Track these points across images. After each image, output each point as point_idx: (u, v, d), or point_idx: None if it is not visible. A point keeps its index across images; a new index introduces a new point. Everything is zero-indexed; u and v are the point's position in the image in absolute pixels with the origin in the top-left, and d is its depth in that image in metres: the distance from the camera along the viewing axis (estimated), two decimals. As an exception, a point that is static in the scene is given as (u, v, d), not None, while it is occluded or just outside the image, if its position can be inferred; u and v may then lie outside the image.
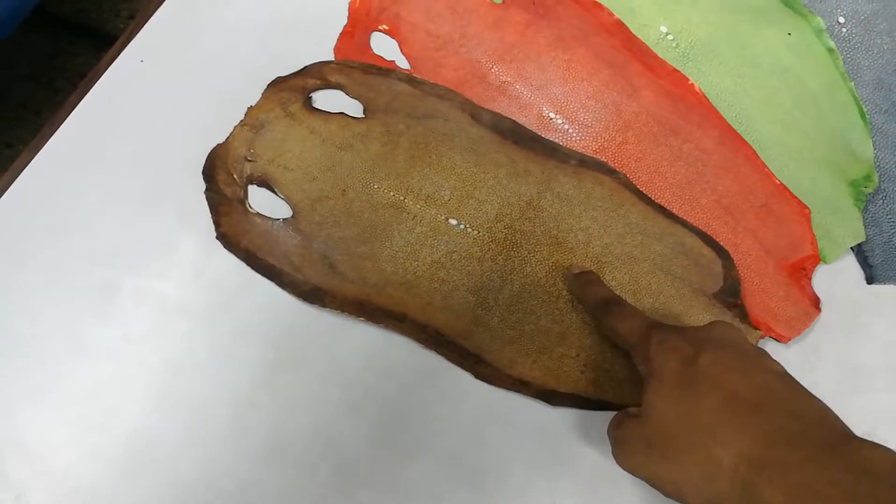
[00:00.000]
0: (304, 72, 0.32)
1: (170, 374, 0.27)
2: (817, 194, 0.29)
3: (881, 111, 0.31)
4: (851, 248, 0.28)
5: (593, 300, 0.25)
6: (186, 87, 0.32)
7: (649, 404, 0.20)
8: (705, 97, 0.31)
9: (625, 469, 0.21)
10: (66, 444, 0.26)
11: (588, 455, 0.25)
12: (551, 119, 0.31)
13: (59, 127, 0.31)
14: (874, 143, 0.30)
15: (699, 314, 0.27)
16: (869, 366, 0.26)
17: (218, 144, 0.31)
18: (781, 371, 0.20)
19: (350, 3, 0.34)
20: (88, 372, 0.28)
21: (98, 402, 0.27)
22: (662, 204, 0.29)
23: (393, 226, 0.29)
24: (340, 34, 0.34)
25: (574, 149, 0.30)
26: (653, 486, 0.20)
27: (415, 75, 0.32)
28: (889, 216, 0.29)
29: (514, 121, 0.31)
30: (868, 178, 0.29)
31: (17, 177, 0.30)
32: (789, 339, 0.26)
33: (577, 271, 0.27)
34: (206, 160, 0.30)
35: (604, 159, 0.30)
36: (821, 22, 0.32)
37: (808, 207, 0.29)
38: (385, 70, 0.32)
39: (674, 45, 0.33)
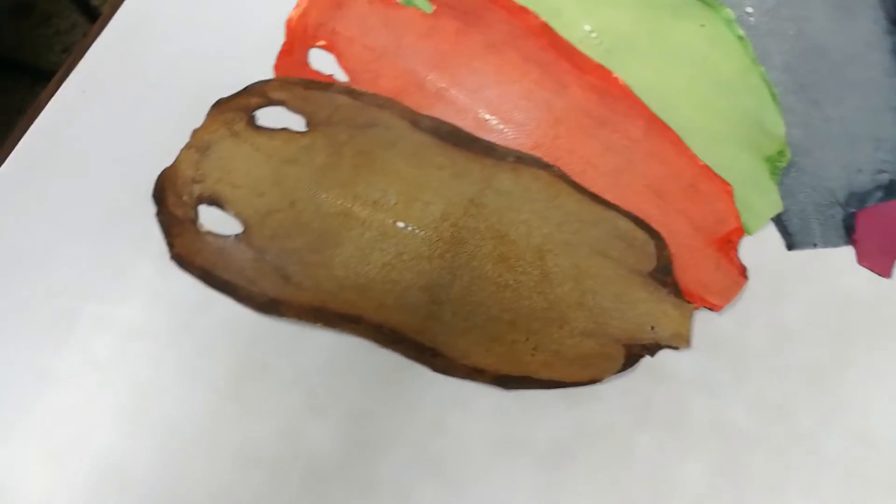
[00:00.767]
0: (247, 91, 0.34)
1: (137, 397, 0.29)
2: (737, 172, 0.32)
3: (790, 91, 0.34)
4: (772, 219, 0.31)
5: None
6: (131, 115, 0.33)
7: None
8: (630, 89, 0.34)
9: None
10: (37, 475, 0.27)
11: (544, 432, 0.27)
12: (487, 120, 0.34)
13: (2, 163, 0.32)
14: (785, 121, 0.33)
15: (637, 293, 0.29)
16: (795, 325, 0.28)
17: (166, 168, 0.32)
18: None
19: (287, 22, 0.36)
20: (54, 402, 0.29)
21: (66, 431, 0.28)
22: (596, 192, 0.32)
23: (343, 233, 0.31)
24: (279, 52, 0.35)
25: (511, 147, 0.33)
26: None
27: (354, 87, 0.34)
28: (802, 187, 0.32)
29: (452, 124, 0.33)
30: (781, 153, 0.32)
31: (-34, 214, 0.31)
32: (722, 308, 0.29)
33: None
34: (155, 184, 0.32)
35: (539, 155, 0.33)
36: (730, 13, 0.35)
37: (730, 185, 0.32)
38: (325, 84, 0.34)
39: (598, 42, 0.35)
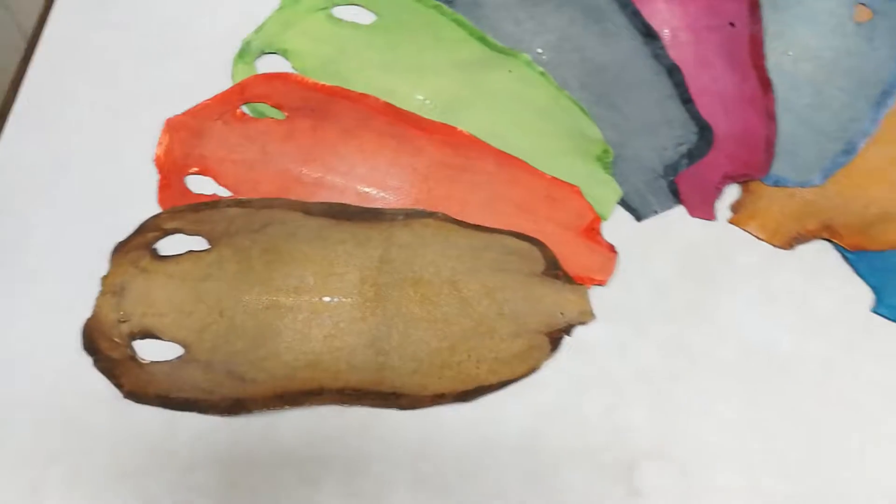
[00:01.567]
0: (141, 229, 0.37)
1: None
2: (579, 175, 0.40)
3: (592, 104, 0.43)
4: (618, 203, 0.39)
5: None
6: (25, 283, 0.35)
7: None
8: (472, 136, 0.41)
9: None
10: None
11: (514, 424, 0.32)
12: (368, 193, 0.39)
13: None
14: (598, 126, 0.42)
15: (539, 290, 0.36)
16: (667, 275, 0.36)
17: (87, 318, 0.34)
18: None
19: (156, 161, 0.39)
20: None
21: None
22: (478, 223, 0.38)
23: (277, 323, 0.35)
24: (158, 188, 0.39)
25: (397, 207, 0.38)
26: None
27: (241, 198, 0.38)
28: (630, 172, 0.41)
29: (341, 203, 0.38)
30: (606, 151, 0.41)
31: None
32: (606, 281, 0.36)
33: None
34: (82, 336, 0.34)
35: (422, 207, 0.39)
36: (527, 56, 0.44)
37: (576, 186, 0.39)
38: (213, 203, 0.38)
39: (433, 106, 0.43)
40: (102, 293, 0.35)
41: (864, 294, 0.36)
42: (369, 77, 0.44)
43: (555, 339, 0.35)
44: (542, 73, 0.44)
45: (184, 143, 0.40)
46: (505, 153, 0.41)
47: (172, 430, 0.32)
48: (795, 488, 0.31)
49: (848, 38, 0.46)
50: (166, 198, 0.38)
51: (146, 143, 0.39)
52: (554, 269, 0.37)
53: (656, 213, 0.40)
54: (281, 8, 0.47)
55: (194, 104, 0.40)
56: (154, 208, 0.37)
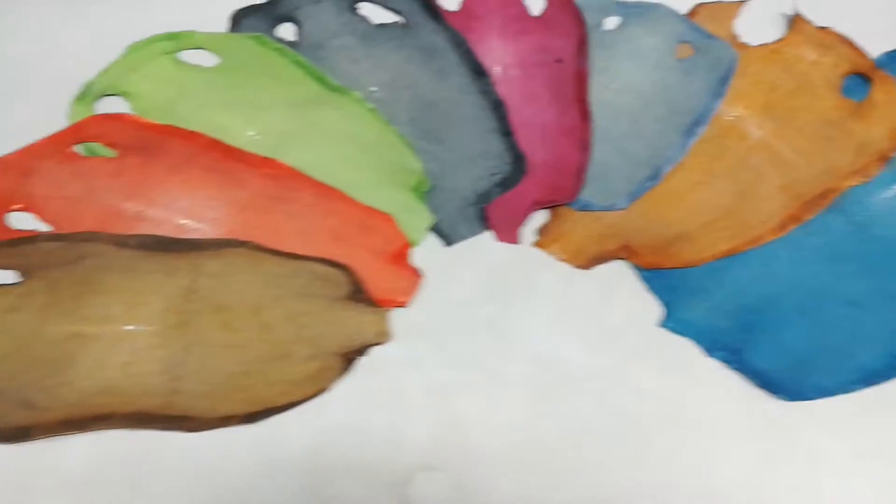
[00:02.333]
0: (-47, 264, 0.38)
1: None
2: (394, 204, 0.43)
3: (418, 138, 0.46)
4: (429, 229, 0.42)
5: None
6: None
7: None
8: (296, 170, 0.44)
9: None
10: None
11: (298, 443, 0.34)
12: (185, 225, 0.42)
13: None
14: (420, 158, 0.45)
15: (341, 313, 0.38)
16: (467, 296, 0.39)
17: None
18: None
19: (-21, 198, 0.41)
20: None
21: None
22: (292, 251, 0.40)
23: (78, 352, 0.36)
24: (-23, 225, 0.41)
25: (210, 238, 0.41)
26: None
27: (58, 232, 0.40)
28: (444, 200, 0.43)
29: (155, 235, 0.40)
30: (421, 182, 0.44)
31: None
32: (407, 303, 0.39)
33: None
34: None
35: (236, 237, 0.41)
36: (358, 94, 0.47)
37: (390, 215, 0.42)
38: (30, 238, 0.40)
39: (263, 141, 0.46)
40: None
41: (653, 309, 0.39)
42: (205, 116, 0.47)
43: (349, 361, 0.37)
44: (371, 110, 0.47)
45: (10, 181, 0.43)
46: (325, 185, 0.43)
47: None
48: (569, 496, 0.33)
49: (668, 73, 0.50)
50: (-16, 234, 0.40)
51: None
52: (357, 293, 0.39)
53: (465, 238, 0.42)
54: (127, 52, 0.49)
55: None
56: (-29, 244, 0.39)
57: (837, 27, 0.51)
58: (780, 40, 0.53)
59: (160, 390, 0.35)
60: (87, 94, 0.48)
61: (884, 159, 0.46)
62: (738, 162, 0.46)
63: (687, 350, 0.38)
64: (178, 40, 0.49)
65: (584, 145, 0.46)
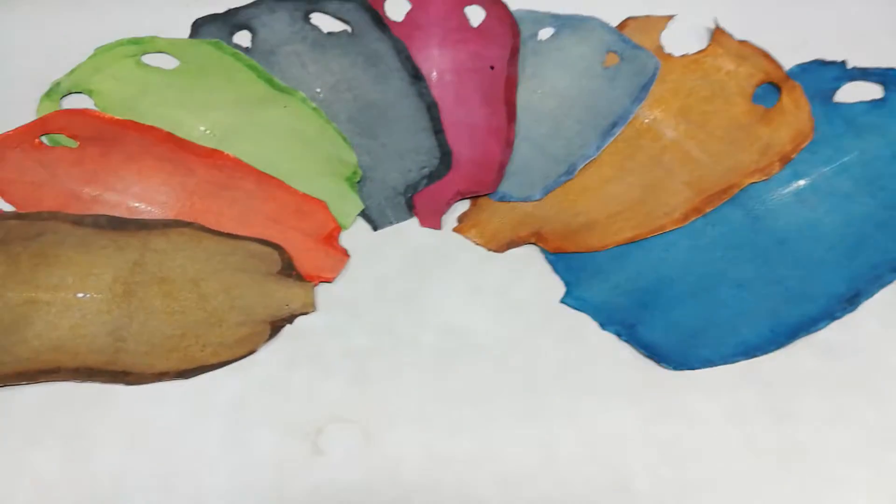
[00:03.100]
0: (-77, 238, 0.44)
1: None
2: (328, 192, 0.49)
3: (356, 134, 0.52)
4: (359, 215, 0.48)
5: None
6: None
7: None
8: (240, 161, 0.50)
9: None
10: None
11: (224, 396, 0.39)
12: (137, 207, 0.48)
13: None
14: (356, 152, 0.51)
15: (272, 286, 0.44)
16: (389, 274, 0.44)
17: None
18: None
19: (-50, 181, 0.47)
20: None
21: None
22: (230, 232, 0.46)
23: (32, 315, 0.42)
24: (-53, 204, 0.47)
25: (159, 219, 0.47)
26: None
27: (21, 211, 0.46)
28: (375, 190, 0.49)
29: (108, 215, 0.46)
30: (355, 173, 0.50)
31: None
32: (333, 279, 0.44)
33: None
34: None
35: (183, 219, 0.47)
36: (303, 94, 0.53)
37: (323, 201, 0.48)
38: None
39: (212, 135, 0.52)
40: None
41: (556, 288, 0.45)
42: (162, 112, 0.53)
43: (276, 327, 0.43)
44: (314, 109, 0.53)
45: (-21, 167, 0.49)
46: (266, 174, 0.49)
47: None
48: (467, 448, 0.39)
49: (593, 80, 0.56)
50: (-46, 212, 0.46)
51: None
52: (288, 269, 0.45)
53: (392, 223, 0.48)
54: (94, 54, 0.56)
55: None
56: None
57: (756, 41, 0.57)
58: (701, 51, 0.59)
59: (105, 349, 0.41)
60: (55, 91, 0.54)
61: (785, 160, 0.52)
62: (649, 160, 0.52)
63: (584, 324, 0.43)
64: (141, 44, 0.55)
65: (508, 144, 0.52)
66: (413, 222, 0.48)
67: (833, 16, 0.65)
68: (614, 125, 0.52)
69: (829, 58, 0.58)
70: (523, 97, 0.55)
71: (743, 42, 0.58)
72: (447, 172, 0.50)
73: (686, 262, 0.47)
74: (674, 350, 0.43)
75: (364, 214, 0.48)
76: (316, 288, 0.44)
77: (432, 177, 0.50)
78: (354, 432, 0.38)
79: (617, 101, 0.54)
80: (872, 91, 0.56)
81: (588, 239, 0.47)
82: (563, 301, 0.44)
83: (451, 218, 0.48)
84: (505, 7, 0.58)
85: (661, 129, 0.54)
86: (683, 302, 0.45)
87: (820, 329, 0.43)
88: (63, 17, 0.56)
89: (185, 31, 0.57)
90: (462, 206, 0.49)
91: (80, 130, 0.50)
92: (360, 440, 0.38)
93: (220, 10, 0.58)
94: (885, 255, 0.46)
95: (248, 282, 0.43)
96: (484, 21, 0.58)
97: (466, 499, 0.36)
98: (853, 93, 0.56)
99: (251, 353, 0.41)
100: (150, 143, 0.49)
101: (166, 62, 0.55)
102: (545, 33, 0.59)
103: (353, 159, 0.50)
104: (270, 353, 0.41)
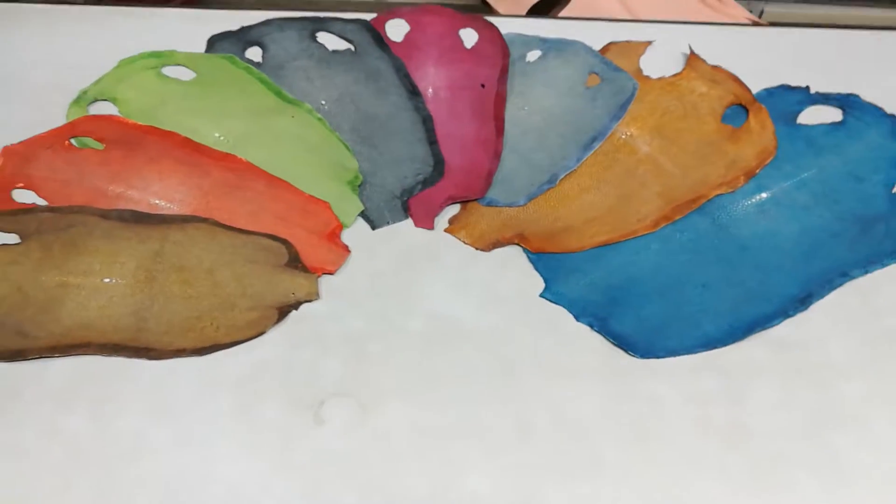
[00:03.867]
0: (-35, 226, 0.51)
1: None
2: (331, 194, 0.55)
3: (357, 143, 0.59)
4: (359, 216, 0.54)
5: None
6: None
7: None
8: (252, 164, 0.56)
9: None
10: None
11: (234, 371, 0.45)
12: (157, 204, 0.54)
13: None
14: (357, 159, 0.57)
15: (279, 276, 0.50)
16: (384, 269, 0.51)
17: None
18: None
19: (-11, 177, 0.54)
20: None
21: None
22: (242, 227, 0.53)
23: (65, 296, 0.48)
24: (-13, 198, 0.53)
25: (178, 214, 0.53)
26: None
27: (54, 205, 0.53)
28: (374, 193, 0.56)
29: (132, 210, 0.52)
30: (356, 178, 0.56)
31: None
32: (335, 271, 0.51)
33: None
34: None
35: (199, 215, 0.53)
36: (309, 106, 0.60)
37: (327, 202, 0.55)
38: (29, 209, 0.52)
39: (226, 141, 0.58)
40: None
41: (536, 284, 0.51)
42: (180, 120, 0.60)
43: (283, 312, 0.49)
44: (319, 119, 0.60)
45: (15, 165, 0.55)
46: (275, 177, 0.56)
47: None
48: (451, 421, 0.45)
49: (576, 99, 0.63)
50: (-8, 205, 0.53)
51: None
52: (294, 261, 0.51)
53: (389, 224, 0.55)
54: (118, 66, 0.63)
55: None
56: (-19, 212, 0.51)
57: (727, 66, 0.64)
58: (677, 75, 0.66)
59: (129, 328, 0.47)
60: (82, 99, 0.61)
61: (749, 175, 0.58)
62: (625, 172, 0.59)
63: (560, 316, 0.49)
64: (161, 58, 0.62)
65: (496, 155, 0.59)
66: (408, 223, 0.54)
67: (797, 44, 0.72)
68: (594, 140, 0.59)
69: (793, 83, 0.65)
70: (511, 113, 0.62)
71: (716, 67, 0.65)
72: (440, 179, 0.56)
73: (656, 264, 0.53)
74: (641, 340, 0.49)
75: (364, 215, 0.54)
76: (319, 279, 0.50)
77: (426, 183, 0.56)
78: (352, 405, 0.44)
79: (597, 118, 0.61)
80: (833, 114, 0.63)
81: (566, 241, 0.53)
82: (542, 295, 0.50)
83: (442, 220, 0.55)
84: (496, 30, 0.65)
85: (636, 145, 0.60)
86: (652, 299, 0.51)
87: (774, 325, 0.49)
88: (91, 34, 0.63)
89: (201, 47, 0.64)
90: (453, 210, 0.55)
91: (105, 134, 0.56)
92: (356, 412, 0.44)
93: (234, 27, 0.64)
94: (836, 262, 0.53)
95: (258, 272, 0.50)
96: (477, 43, 0.65)
97: (449, 465, 0.42)
98: (815, 115, 0.63)
99: (260, 334, 0.47)
100: (170, 147, 0.56)
101: (184, 74, 0.62)
102: (533, 55, 0.66)
103: (355, 165, 0.57)
104: (278, 335, 0.47)
